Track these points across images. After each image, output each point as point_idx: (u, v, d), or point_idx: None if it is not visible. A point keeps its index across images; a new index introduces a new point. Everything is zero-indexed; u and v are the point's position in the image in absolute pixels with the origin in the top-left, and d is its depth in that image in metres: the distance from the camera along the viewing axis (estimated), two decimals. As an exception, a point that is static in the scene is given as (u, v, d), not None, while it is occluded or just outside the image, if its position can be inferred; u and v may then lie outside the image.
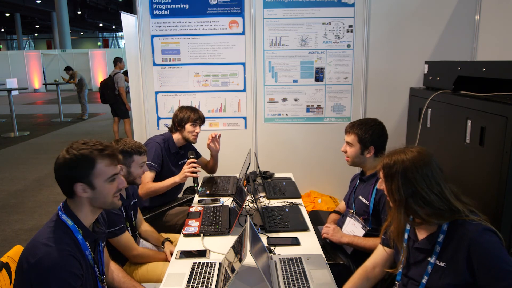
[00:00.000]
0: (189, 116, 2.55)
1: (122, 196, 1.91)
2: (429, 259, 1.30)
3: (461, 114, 2.01)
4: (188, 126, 2.55)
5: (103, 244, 1.50)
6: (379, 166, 1.39)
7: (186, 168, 2.34)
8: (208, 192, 2.50)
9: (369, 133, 1.92)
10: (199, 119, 2.58)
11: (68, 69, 10.26)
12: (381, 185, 1.42)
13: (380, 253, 1.55)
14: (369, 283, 1.52)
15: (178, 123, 2.58)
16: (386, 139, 1.97)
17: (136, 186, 2.31)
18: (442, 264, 1.27)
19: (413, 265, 1.37)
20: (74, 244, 1.30)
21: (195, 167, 2.34)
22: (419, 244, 1.35)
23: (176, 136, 2.60)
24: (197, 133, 2.58)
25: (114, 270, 1.66)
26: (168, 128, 2.67)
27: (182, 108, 2.61)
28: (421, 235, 1.36)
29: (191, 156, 2.42)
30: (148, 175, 2.38)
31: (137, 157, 1.93)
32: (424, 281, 1.30)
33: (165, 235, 2.19)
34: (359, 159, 1.96)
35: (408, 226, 1.41)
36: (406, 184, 1.29)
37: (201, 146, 2.81)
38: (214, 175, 2.86)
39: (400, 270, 1.41)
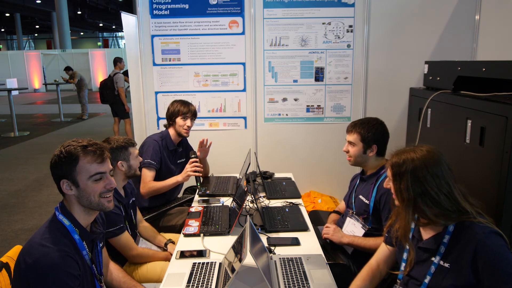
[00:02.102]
0: (179, 109, 2.53)
1: (120, 195, 1.91)
2: (433, 259, 1.30)
3: (461, 114, 2.01)
4: (179, 120, 2.53)
5: (101, 244, 1.50)
6: (388, 165, 1.38)
7: (188, 168, 2.34)
8: (208, 192, 2.50)
9: (372, 131, 1.91)
10: (189, 112, 2.54)
11: (68, 69, 10.26)
12: (388, 184, 1.41)
13: (383, 251, 1.55)
14: (375, 281, 1.53)
15: (169, 117, 2.57)
16: (388, 138, 1.97)
17: (135, 184, 2.32)
18: (446, 265, 1.26)
19: (415, 264, 1.37)
20: (71, 244, 1.29)
21: (198, 166, 2.34)
22: (423, 244, 1.34)
23: (171, 132, 2.59)
24: (188, 126, 2.55)
25: (114, 270, 1.65)
26: (164, 125, 2.67)
27: (173, 102, 2.59)
28: (426, 235, 1.35)
29: (193, 156, 2.43)
30: (149, 173, 2.38)
31: (132, 149, 1.96)
32: (426, 281, 1.30)
33: (165, 235, 2.19)
34: (361, 158, 1.95)
35: (412, 225, 1.40)
36: (415, 183, 1.28)
37: (195, 146, 2.80)
38: (215, 175, 2.86)
39: (402, 269, 1.41)
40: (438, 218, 1.27)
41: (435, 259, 1.29)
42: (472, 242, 1.20)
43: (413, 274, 1.37)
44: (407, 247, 1.40)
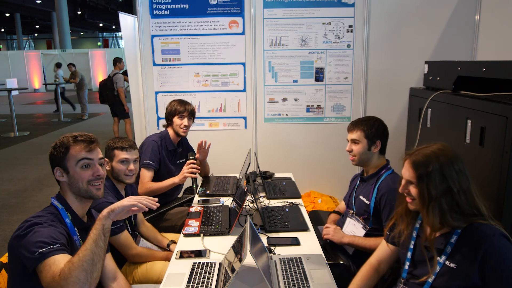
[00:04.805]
0: (176, 108, 2.52)
1: (121, 195, 1.92)
2: (438, 258, 1.29)
3: (461, 114, 2.01)
4: (176, 119, 2.52)
5: None
6: (407, 167, 1.31)
7: (185, 169, 2.34)
8: (208, 192, 2.50)
9: (375, 127, 1.92)
10: (186, 111, 2.52)
11: (71, 65, 10.25)
12: (405, 188, 1.33)
13: (384, 249, 1.54)
14: (375, 279, 1.52)
15: (167, 117, 2.58)
16: (388, 134, 1.97)
17: (135, 186, 2.32)
18: (452, 265, 1.25)
19: (419, 263, 1.36)
20: (63, 227, 1.33)
21: (195, 168, 2.34)
22: (429, 243, 1.33)
23: (170, 132, 2.58)
24: (185, 125, 2.53)
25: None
26: (164, 125, 2.67)
27: (171, 102, 2.59)
28: (431, 234, 1.34)
29: (190, 157, 2.42)
30: (147, 174, 2.38)
31: (118, 151, 1.95)
32: (430, 280, 1.29)
33: (165, 235, 2.19)
34: (366, 155, 1.93)
35: (417, 224, 1.40)
36: (442, 181, 1.24)
37: (196, 147, 2.79)
38: (215, 175, 2.86)
39: (406, 268, 1.40)
40: (453, 220, 1.24)
41: (441, 259, 1.28)
42: (481, 244, 1.19)
43: (417, 273, 1.36)
44: (411, 246, 1.39)
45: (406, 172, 1.33)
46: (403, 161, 1.36)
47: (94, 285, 1.17)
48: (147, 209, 1.36)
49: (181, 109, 2.52)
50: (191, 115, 2.56)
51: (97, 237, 1.21)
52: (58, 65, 11.44)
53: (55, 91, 10.47)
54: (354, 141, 1.95)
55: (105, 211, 1.28)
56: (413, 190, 1.31)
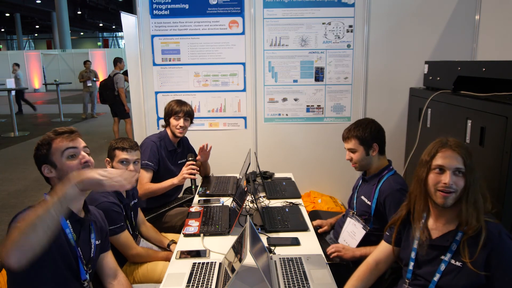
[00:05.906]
0: (172, 109, 2.51)
1: (121, 195, 1.91)
2: (443, 257, 1.29)
3: (461, 114, 2.01)
4: (172, 120, 2.52)
5: (97, 242, 1.48)
6: (455, 155, 1.29)
7: (184, 170, 2.34)
8: (208, 192, 2.49)
9: (368, 131, 1.89)
10: (182, 112, 2.50)
11: (88, 62, 10.27)
12: (456, 182, 1.28)
13: (384, 249, 1.54)
14: (372, 280, 1.52)
15: (164, 117, 2.57)
16: (384, 133, 1.95)
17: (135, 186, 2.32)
18: (458, 263, 1.25)
19: (424, 263, 1.36)
20: None
21: (194, 169, 2.34)
22: (434, 242, 1.33)
23: (169, 132, 2.58)
24: (181, 126, 2.51)
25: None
26: (162, 125, 2.67)
27: (169, 102, 2.58)
28: (436, 232, 1.34)
29: (190, 158, 2.42)
30: (145, 175, 2.38)
31: (118, 152, 1.94)
32: (436, 279, 1.29)
33: (165, 235, 2.19)
34: (366, 161, 1.92)
35: (420, 224, 1.40)
36: (476, 171, 1.28)
37: (197, 147, 2.79)
38: (215, 175, 2.86)
39: (411, 268, 1.40)
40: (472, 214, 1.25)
41: (445, 257, 1.28)
42: (487, 242, 1.19)
43: (421, 273, 1.35)
44: (415, 246, 1.39)
45: (454, 161, 1.29)
46: (433, 152, 1.32)
47: (29, 255, 1.02)
48: (119, 189, 1.30)
49: (177, 109, 2.50)
50: (188, 115, 2.54)
51: (52, 204, 1.06)
52: (18, 65, 11.29)
53: (19, 92, 10.42)
54: (350, 150, 1.94)
55: (73, 180, 1.14)
56: (459, 181, 1.28)
